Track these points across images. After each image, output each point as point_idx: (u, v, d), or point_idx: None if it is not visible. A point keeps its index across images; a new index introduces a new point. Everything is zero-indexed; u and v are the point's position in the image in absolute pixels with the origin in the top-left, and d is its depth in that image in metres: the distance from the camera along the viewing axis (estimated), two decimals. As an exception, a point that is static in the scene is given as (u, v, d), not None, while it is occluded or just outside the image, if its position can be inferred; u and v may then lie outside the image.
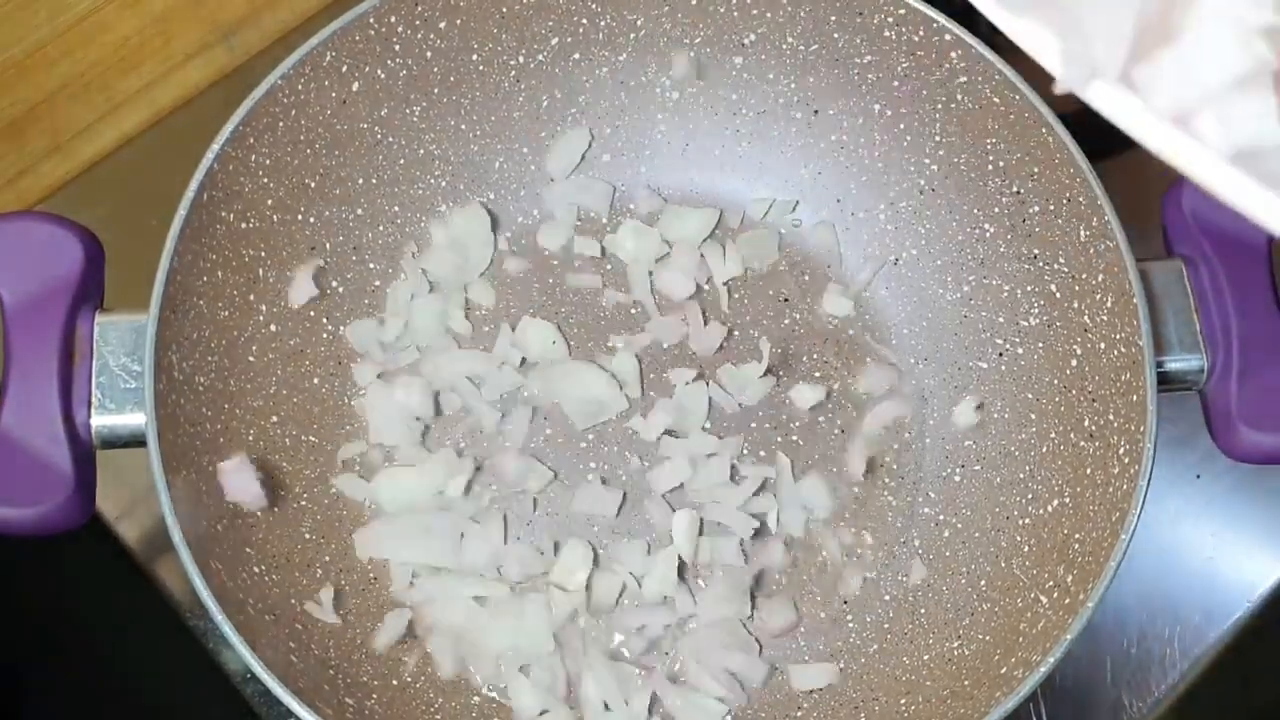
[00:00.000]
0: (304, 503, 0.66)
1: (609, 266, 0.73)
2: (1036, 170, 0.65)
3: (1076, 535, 0.61)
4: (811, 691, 0.66)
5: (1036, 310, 0.67)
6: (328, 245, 0.69)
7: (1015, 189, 0.66)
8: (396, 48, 0.67)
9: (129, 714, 0.79)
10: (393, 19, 0.66)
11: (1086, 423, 0.63)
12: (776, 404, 0.71)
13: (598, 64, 0.71)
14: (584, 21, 0.70)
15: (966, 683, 0.61)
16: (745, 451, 0.70)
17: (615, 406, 0.70)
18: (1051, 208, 0.64)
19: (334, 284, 0.70)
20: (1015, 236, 0.67)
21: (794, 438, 0.70)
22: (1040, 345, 0.67)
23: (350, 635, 0.64)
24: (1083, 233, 0.63)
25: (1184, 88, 0.33)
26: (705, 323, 0.71)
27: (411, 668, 0.65)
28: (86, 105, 0.86)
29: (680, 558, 0.66)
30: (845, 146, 0.72)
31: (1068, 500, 0.63)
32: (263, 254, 0.66)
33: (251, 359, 0.66)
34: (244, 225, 0.65)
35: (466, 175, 0.73)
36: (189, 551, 0.56)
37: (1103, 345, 0.62)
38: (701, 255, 0.73)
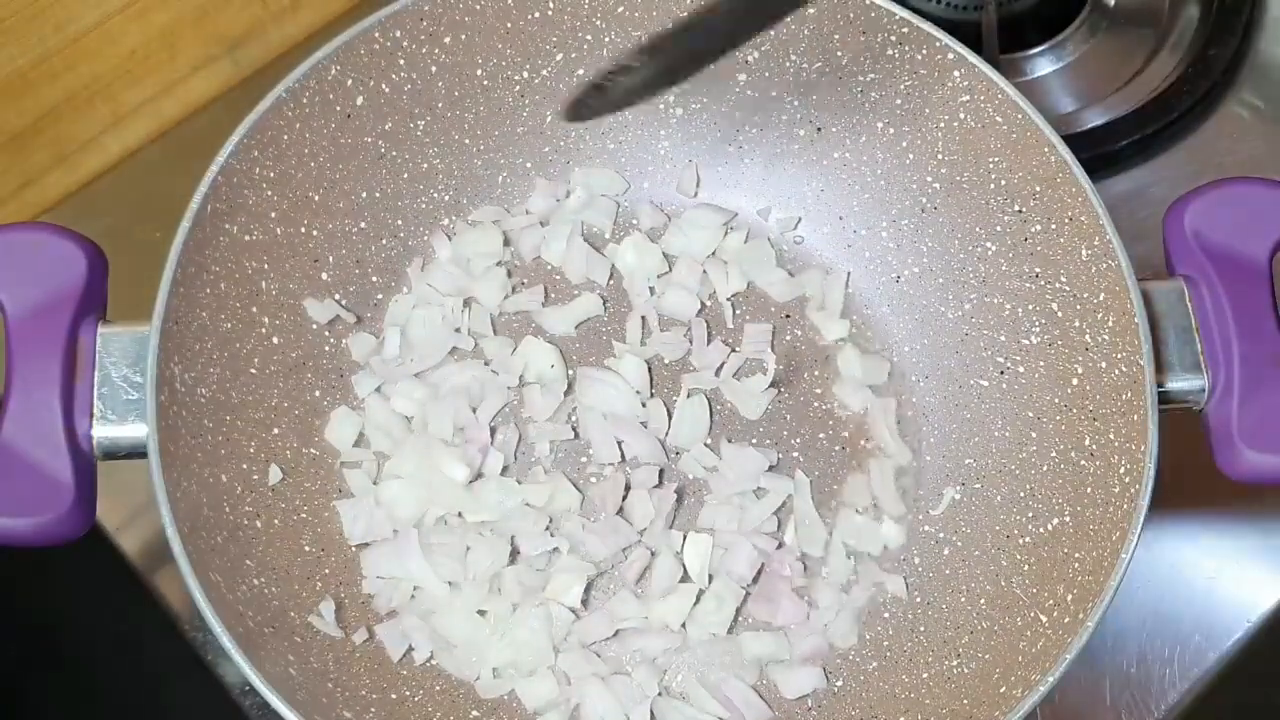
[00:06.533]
0: (304, 515, 0.66)
1: (612, 281, 0.73)
2: (1038, 189, 0.65)
3: (1077, 554, 0.61)
4: (810, 709, 0.66)
5: (1038, 329, 0.67)
6: (330, 258, 0.69)
7: (1017, 207, 0.66)
8: (401, 62, 0.67)
9: (126, 725, 0.79)
10: (398, 33, 0.66)
11: (1087, 441, 0.63)
12: (778, 420, 0.71)
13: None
14: (588, 37, 0.70)
15: (965, 701, 0.61)
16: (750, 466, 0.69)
17: (631, 419, 0.70)
18: (1053, 226, 0.65)
19: (336, 297, 0.70)
20: (1017, 255, 0.67)
21: (795, 454, 0.70)
22: (1041, 364, 0.67)
23: (349, 648, 0.64)
24: (1084, 252, 0.63)
25: None
26: (709, 340, 0.72)
27: (411, 681, 0.65)
28: (91, 117, 0.86)
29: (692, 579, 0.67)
30: (848, 164, 0.72)
31: (1068, 519, 0.63)
32: (266, 266, 0.66)
33: (253, 371, 0.66)
34: (247, 238, 0.65)
35: (470, 190, 0.73)
36: (189, 563, 0.56)
37: (1104, 364, 0.63)
38: (704, 271, 0.73)
